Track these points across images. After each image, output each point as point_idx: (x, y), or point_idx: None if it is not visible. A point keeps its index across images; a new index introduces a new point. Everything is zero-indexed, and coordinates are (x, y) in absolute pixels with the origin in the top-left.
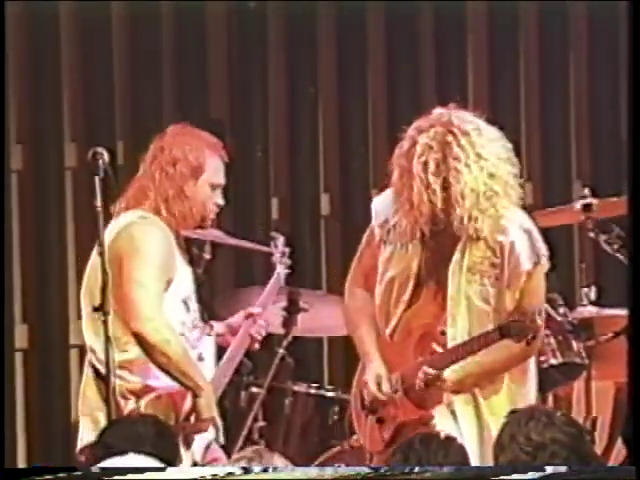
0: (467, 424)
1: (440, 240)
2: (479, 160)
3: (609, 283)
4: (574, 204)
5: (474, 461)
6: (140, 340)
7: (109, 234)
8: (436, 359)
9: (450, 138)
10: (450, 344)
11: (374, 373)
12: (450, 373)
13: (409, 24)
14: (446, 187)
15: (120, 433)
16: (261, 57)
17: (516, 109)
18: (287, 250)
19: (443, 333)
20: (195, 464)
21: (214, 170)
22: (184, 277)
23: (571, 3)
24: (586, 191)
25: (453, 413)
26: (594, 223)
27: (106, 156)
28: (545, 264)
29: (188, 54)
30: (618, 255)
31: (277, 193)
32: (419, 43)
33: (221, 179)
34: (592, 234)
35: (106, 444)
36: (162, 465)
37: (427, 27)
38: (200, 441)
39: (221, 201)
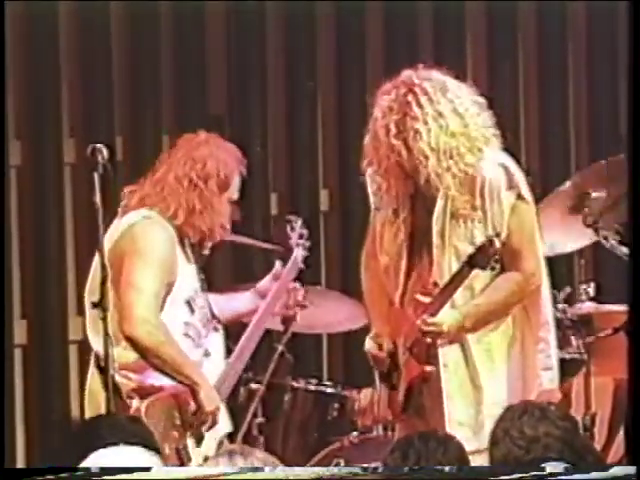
0: (455, 375)
1: (421, 200)
2: (439, 118)
3: (608, 279)
4: None
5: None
6: (133, 343)
7: (114, 232)
8: (430, 307)
9: (410, 98)
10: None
11: (373, 336)
12: (447, 319)
13: (409, 24)
14: (409, 148)
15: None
16: (260, 53)
17: (515, 104)
18: (305, 232)
19: (436, 284)
20: (206, 459)
21: (235, 187)
22: (187, 277)
23: (570, 3)
24: None
25: (445, 365)
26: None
27: (105, 152)
28: (528, 197)
29: (187, 51)
30: (617, 252)
31: (276, 188)
32: (418, 42)
33: (237, 195)
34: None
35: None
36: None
37: (427, 27)
38: (212, 437)
39: (237, 217)
